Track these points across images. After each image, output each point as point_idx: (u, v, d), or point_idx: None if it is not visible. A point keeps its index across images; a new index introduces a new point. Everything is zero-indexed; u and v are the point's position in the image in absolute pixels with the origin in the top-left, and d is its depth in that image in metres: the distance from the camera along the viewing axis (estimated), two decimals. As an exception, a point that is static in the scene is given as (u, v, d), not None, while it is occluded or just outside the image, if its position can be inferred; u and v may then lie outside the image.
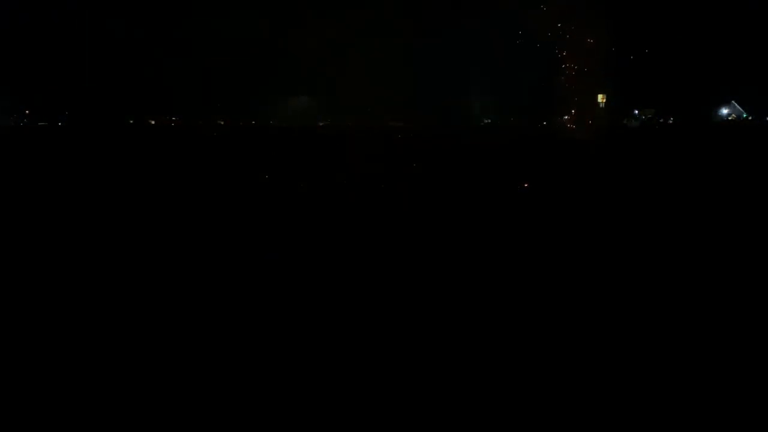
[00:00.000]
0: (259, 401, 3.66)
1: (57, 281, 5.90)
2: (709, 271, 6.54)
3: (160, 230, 8.92)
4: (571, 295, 5.68)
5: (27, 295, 5.44)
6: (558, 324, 4.93)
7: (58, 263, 6.60)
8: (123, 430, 3.32)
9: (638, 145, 29.24)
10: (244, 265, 6.83)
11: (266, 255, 7.26)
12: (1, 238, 7.91)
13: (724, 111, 75.03)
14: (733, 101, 77.58)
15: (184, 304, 5.39)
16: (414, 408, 3.56)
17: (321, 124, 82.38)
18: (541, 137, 34.62)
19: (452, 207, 11.26)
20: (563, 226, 9.28)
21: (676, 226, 9.30)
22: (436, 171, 18.22)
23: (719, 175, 16.23)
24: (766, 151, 24.34)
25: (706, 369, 4.06)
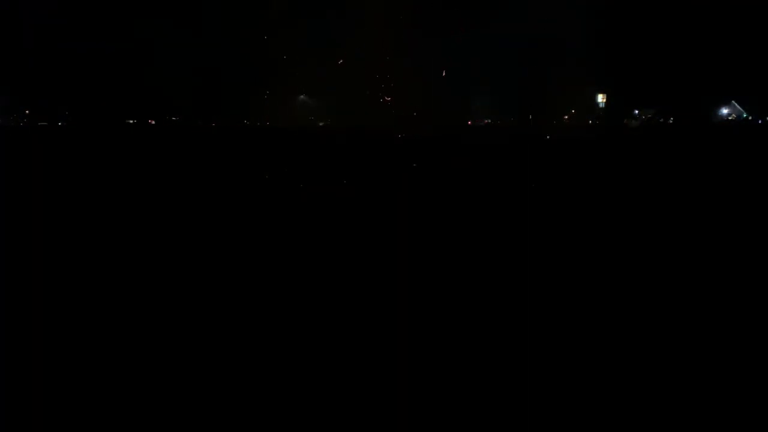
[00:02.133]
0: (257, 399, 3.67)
1: (59, 280, 5.90)
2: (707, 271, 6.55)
3: (161, 230, 8.92)
4: (567, 295, 5.68)
5: (28, 295, 5.44)
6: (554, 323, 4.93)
7: (60, 261, 6.60)
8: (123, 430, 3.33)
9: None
10: (244, 262, 6.83)
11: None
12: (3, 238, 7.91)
13: (724, 111, 74.93)
14: (733, 101, 77.43)
15: (184, 303, 5.39)
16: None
17: (321, 124, 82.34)
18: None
19: (450, 207, 11.26)
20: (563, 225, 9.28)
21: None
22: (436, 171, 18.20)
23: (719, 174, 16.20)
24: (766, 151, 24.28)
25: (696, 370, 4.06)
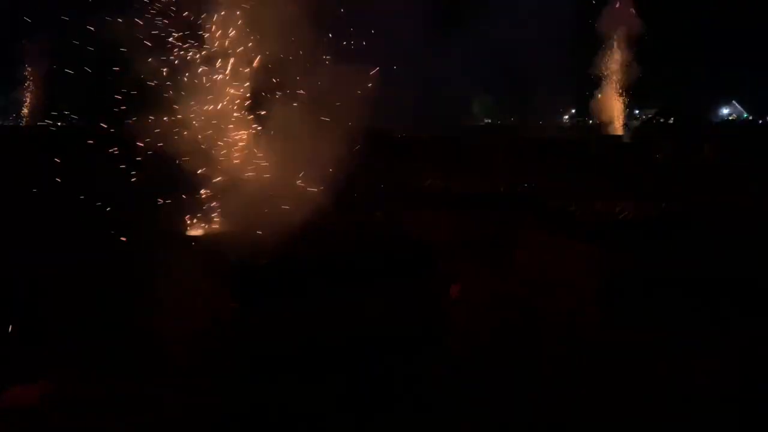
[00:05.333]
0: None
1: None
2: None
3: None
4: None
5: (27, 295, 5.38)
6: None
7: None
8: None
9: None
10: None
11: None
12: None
13: (725, 111, 74.90)
14: (733, 101, 77.31)
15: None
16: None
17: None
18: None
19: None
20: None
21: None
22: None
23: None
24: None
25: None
